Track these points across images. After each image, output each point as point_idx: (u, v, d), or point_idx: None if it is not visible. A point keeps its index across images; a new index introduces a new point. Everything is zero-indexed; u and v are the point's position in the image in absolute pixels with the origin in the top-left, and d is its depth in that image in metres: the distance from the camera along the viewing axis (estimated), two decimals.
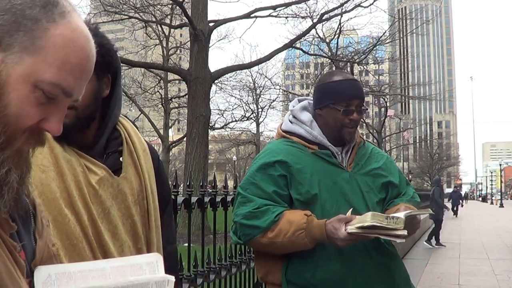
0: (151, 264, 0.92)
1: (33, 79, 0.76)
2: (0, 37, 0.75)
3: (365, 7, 17.92)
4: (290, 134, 2.12)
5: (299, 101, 2.22)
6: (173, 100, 28.20)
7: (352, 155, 2.12)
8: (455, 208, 27.63)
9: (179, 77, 17.87)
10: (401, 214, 1.83)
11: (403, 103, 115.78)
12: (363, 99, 2.07)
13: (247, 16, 15.52)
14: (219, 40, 26.13)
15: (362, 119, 2.25)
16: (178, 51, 31.84)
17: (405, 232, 1.80)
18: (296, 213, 1.93)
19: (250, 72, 30.72)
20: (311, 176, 1.98)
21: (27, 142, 0.80)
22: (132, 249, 1.45)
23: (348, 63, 23.78)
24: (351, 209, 1.90)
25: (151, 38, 26.22)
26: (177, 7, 16.26)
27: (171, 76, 26.54)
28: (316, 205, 1.97)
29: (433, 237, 13.15)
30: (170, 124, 28.91)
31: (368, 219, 1.78)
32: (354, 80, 2.10)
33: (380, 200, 2.08)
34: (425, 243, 12.95)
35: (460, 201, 29.67)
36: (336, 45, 23.48)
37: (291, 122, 2.15)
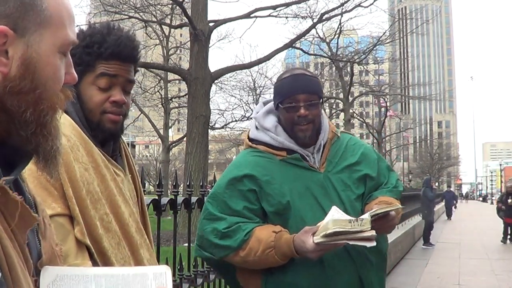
0: (159, 275, 0.90)
1: (57, 47, 0.82)
2: (14, 25, 0.76)
3: (365, 7, 17.89)
4: (256, 142, 2.04)
5: (264, 104, 2.12)
6: (173, 100, 28.14)
7: (324, 153, 2.02)
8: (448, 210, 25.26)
9: (179, 77, 17.86)
10: (366, 215, 1.76)
11: (403, 103, 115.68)
12: (312, 93, 1.94)
13: (247, 16, 15.50)
14: (219, 40, 26.10)
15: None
16: (178, 51, 31.80)
17: (372, 232, 1.72)
18: (265, 230, 1.86)
19: (250, 72, 30.61)
20: (280, 186, 1.91)
21: (63, 102, 0.85)
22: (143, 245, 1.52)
23: (348, 63, 23.77)
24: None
25: (151, 38, 26.17)
26: (177, 7, 16.25)
27: (171, 76, 26.50)
28: (290, 214, 1.90)
29: (426, 237, 13.16)
30: (170, 124, 28.84)
31: (329, 226, 1.71)
32: (300, 75, 1.98)
33: (358, 196, 1.99)
34: (423, 246, 12.95)
35: (454, 201, 26.53)
36: (336, 45, 23.46)
37: (257, 128, 2.06)
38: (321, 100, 2.00)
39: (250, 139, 2.08)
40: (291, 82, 1.96)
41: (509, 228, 14.20)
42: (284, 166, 1.95)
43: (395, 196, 2.03)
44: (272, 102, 2.07)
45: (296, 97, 1.93)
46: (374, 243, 1.76)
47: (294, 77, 1.97)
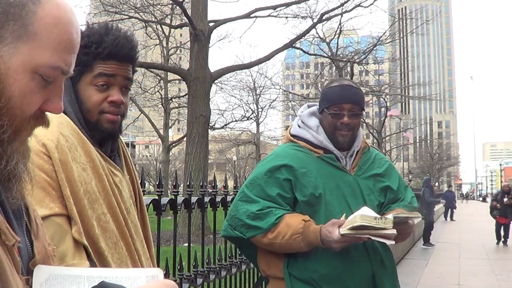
0: (152, 278, 0.90)
1: (32, 66, 0.76)
2: None
3: (365, 7, 17.90)
4: (297, 138, 2.23)
5: (309, 106, 2.33)
6: (173, 100, 28.15)
7: (356, 159, 2.22)
8: (449, 211, 24.63)
9: (179, 77, 17.86)
10: (390, 215, 1.94)
11: (403, 103, 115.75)
12: (356, 104, 2.14)
13: (247, 16, 15.50)
14: (219, 40, 26.25)
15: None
16: (178, 51, 31.81)
17: (394, 231, 1.89)
18: (295, 217, 2.03)
19: (250, 72, 30.79)
20: (315, 179, 2.08)
21: (31, 129, 0.80)
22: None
23: (348, 63, 23.75)
24: (344, 214, 1.99)
25: (151, 38, 26.17)
26: (177, 7, 16.25)
27: (171, 76, 26.51)
28: (321, 206, 2.07)
29: (426, 237, 13.14)
30: (170, 124, 28.85)
31: (357, 219, 1.88)
32: (348, 86, 2.18)
33: (379, 203, 2.19)
34: (423, 246, 12.94)
35: (455, 202, 25.73)
36: (336, 45, 23.45)
37: (299, 126, 2.26)
38: (363, 111, 2.20)
39: (292, 135, 2.26)
40: (339, 91, 2.15)
41: (502, 228, 13.94)
42: (320, 162, 2.14)
43: (411, 210, 2.19)
44: (315, 106, 2.29)
45: (342, 106, 2.13)
46: (393, 242, 1.95)
47: (342, 87, 2.16)
